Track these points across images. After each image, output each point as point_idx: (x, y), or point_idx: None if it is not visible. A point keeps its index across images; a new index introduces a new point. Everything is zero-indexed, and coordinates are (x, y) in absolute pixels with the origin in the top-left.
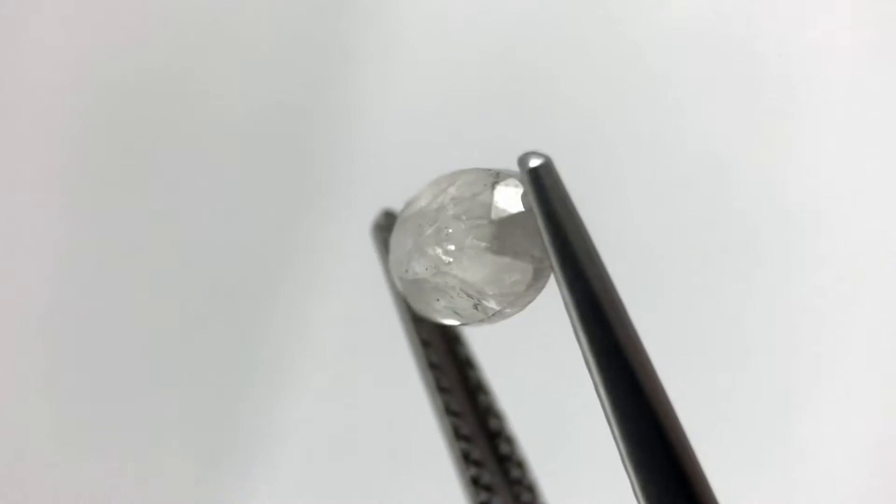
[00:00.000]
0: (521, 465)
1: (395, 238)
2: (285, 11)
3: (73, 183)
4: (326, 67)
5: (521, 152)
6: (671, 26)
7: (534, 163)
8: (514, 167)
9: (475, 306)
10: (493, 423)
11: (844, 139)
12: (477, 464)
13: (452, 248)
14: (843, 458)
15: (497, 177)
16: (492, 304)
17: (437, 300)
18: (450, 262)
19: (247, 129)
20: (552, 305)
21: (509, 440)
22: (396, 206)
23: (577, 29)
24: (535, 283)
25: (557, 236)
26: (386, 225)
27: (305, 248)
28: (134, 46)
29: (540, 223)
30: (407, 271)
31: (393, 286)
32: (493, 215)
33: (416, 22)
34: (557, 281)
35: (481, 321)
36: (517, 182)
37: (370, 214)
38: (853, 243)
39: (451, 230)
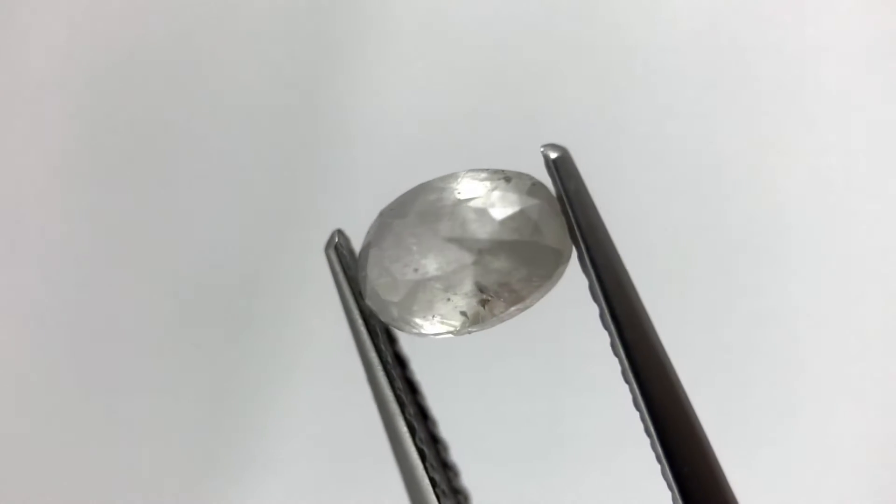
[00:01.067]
0: (468, 498)
1: (388, 243)
2: (283, 12)
3: (67, 182)
4: (323, 68)
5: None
6: (671, 26)
7: (554, 154)
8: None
9: (483, 303)
10: (442, 453)
11: (846, 138)
12: (444, 494)
13: (472, 242)
14: (844, 458)
15: (505, 173)
16: (501, 302)
17: (447, 300)
18: (470, 257)
19: (247, 128)
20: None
21: (456, 473)
22: None
23: (576, 29)
24: (550, 278)
25: (585, 222)
26: (343, 244)
27: (304, 249)
28: (131, 44)
29: (569, 211)
30: (416, 270)
31: (352, 305)
32: (513, 208)
33: (414, 23)
34: (586, 267)
35: (483, 322)
36: (529, 177)
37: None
38: (854, 242)
39: (471, 225)
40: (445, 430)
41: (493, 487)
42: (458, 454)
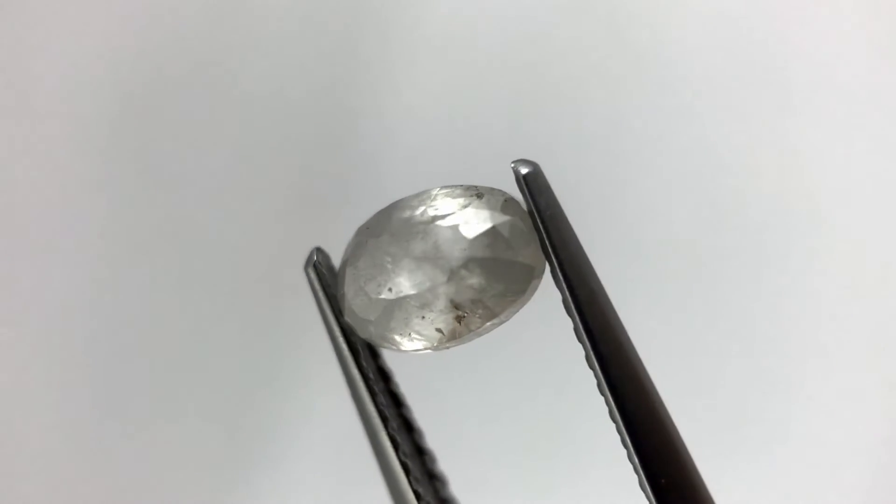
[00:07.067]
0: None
1: (364, 262)
2: (305, 21)
3: (83, 184)
4: (343, 73)
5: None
6: (673, 27)
7: (525, 170)
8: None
9: (459, 319)
10: (429, 464)
11: (847, 139)
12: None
13: (446, 260)
14: (843, 457)
15: (478, 189)
16: (477, 317)
17: (422, 317)
18: (444, 274)
19: (266, 134)
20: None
21: (444, 482)
22: None
23: (585, 32)
24: (525, 293)
25: (554, 238)
26: (322, 262)
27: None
28: (154, 47)
29: (539, 226)
30: (390, 289)
31: (332, 322)
32: (484, 225)
33: (434, 28)
34: (557, 281)
35: (460, 337)
36: (502, 193)
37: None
38: (855, 242)
39: (441, 243)
40: (433, 442)
41: (479, 497)
42: (445, 464)
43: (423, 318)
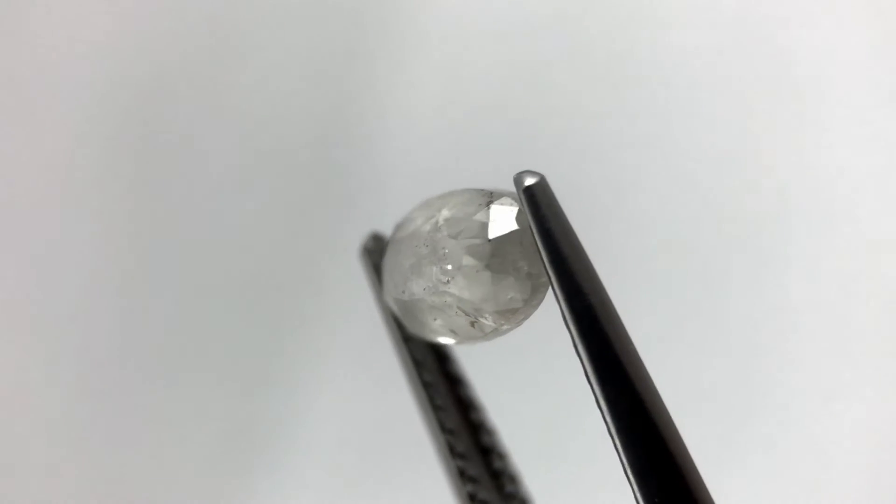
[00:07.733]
0: (514, 479)
1: (389, 260)
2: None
3: (101, 186)
4: (356, 70)
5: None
6: (674, 28)
7: (529, 181)
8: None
9: (472, 324)
10: (485, 440)
11: (847, 138)
12: (472, 480)
13: (450, 267)
14: (841, 457)
15: (491, 196)
16: (488, 322)
17: (435, 319)
18: (448, 281)
19: (277, 132)
20: (547, 321)
21: (501, 456)
22: None
23: (583, 34)
24: (532, 300)
25: (554, 252)
26: (375, 248)
27: (323, 254)
28: (154, 49)
29: (537, 240)
30: (403, 292)
31: (385, 308)
32: (489, 234)
33: (438, 29)
34: (556, 296)
35: (477, 339)
36: (511, 200)
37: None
38: (855, 242)
39: (447, 250)
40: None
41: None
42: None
43: (436, 319)
